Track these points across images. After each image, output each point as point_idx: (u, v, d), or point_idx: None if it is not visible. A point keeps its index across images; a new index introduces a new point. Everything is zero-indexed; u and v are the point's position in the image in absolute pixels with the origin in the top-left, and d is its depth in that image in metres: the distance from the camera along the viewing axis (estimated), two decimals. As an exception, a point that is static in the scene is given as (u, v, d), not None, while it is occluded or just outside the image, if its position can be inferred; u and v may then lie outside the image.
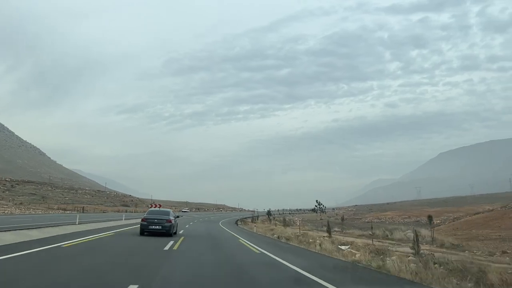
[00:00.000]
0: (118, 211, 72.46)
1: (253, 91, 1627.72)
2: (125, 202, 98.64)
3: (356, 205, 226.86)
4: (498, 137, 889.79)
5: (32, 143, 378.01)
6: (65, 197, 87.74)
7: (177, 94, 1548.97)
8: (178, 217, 25.85)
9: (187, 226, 35.24)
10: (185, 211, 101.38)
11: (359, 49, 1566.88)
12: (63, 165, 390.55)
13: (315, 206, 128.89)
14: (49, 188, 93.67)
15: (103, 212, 66.12)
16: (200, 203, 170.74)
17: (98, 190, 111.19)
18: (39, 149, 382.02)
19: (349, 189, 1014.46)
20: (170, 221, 20.64)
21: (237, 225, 49.15)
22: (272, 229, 32.52)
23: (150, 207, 30.23)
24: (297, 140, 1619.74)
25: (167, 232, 20.17)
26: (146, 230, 20.10)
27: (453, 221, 74.23)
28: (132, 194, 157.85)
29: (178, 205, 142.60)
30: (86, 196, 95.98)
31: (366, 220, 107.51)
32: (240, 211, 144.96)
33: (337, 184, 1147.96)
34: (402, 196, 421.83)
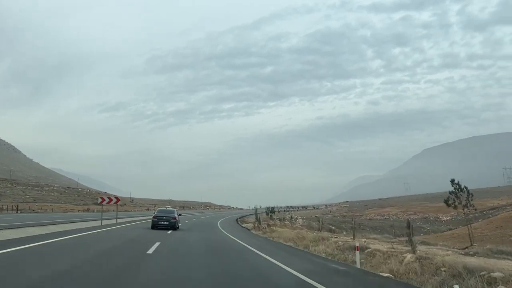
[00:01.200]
0: (87, 210, 61.14)
1: (237, 89, 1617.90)
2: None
3: (347, 201, 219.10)
4: (480, 133, 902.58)
5: (6, 141, 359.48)
6: (25, 195, 75.81)
7: (160, 92, 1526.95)
8: (180, 215, 31.47)
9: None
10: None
11: (342, 47, 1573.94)
12: (40, 164, 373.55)
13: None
14: (9, 185, 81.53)
15: (65, 212, 54.76)
16: (185, 201, 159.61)
17: (68, 187, 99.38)
18: (13, 146, 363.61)
19: (334, 185, 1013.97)
20: (174, 218, 26.10)
21: (249, 231, 33.48)
22: (302, 237, 22.25)
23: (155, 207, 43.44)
24: (281, 137, 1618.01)
25: (173, 226, 25.35)
26: (156, 225, 24.80)
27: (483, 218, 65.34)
28: (108, 192, 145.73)
29: (161, 203, 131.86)
30: (52, 194, 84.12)
31: (368, 218, 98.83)
32: (228, 209, 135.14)
33: (321, 181, 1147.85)
34: (390, 192, 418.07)
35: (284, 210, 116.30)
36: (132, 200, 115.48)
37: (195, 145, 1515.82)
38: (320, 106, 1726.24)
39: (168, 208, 31.13)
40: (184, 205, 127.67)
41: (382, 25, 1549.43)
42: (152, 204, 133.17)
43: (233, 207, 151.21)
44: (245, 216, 67.01)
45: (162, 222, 25.09)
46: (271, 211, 55.65)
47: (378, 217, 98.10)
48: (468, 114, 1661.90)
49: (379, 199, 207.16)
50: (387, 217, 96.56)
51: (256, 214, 42.74)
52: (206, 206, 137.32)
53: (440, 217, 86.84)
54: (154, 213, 28.14)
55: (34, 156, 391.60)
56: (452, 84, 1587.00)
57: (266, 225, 37.47)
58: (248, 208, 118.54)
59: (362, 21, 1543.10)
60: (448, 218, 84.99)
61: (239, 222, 48.40)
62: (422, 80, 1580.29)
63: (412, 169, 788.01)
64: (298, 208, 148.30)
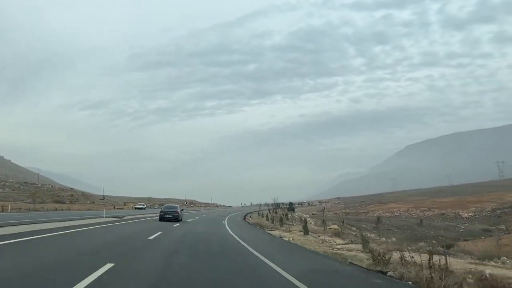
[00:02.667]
0: (36, 210, 47.07)
1: (220, 87, 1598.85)
2: (61, 198, 73.13)
3: (338, 197, 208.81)
4: (462, 129, 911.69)
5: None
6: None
7: (141, 89, 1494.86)
8: (182, 210, 41.30)
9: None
10: (140, 207, 75.85)
11: (324, 45, 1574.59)
12: (12, 161, 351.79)
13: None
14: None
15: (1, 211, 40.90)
16: (167, 198, 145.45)
17: (25, 183, 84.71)
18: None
19: (318, 182, 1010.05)
20: (177, 213, 32.81)
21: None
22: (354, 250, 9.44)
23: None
24: (264, 135, 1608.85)
25: (176, 219, 31.60)
26: (163, 218, 31.40)
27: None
28: (80, 188, 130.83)
29: (138, 201, 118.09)
30: (2, 190, 69.34)
31: (376, 215, 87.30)
32: (216, 206, 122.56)
33: (305, 178, 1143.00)
34: (376, 188, 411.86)
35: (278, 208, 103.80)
36: (103, 197, 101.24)
37: (178, 143, 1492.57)
38: (303, 103, 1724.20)
39: (172, 205, 38.29)
40: (164, 203, 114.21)
41: (364, 23, 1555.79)
42: (130, 202, 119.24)
43: (220, 205, 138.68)
44: (247, 214, 55.37)
45: (167, 216, 31.43)
46: (289, 208, 43.52)
47: (387, 214, 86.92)
48: (447, 111, 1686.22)
49: (373, 195, 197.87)
50: (397, 214, 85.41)
51: (271, 214, 29.73)
52: (191, 203, 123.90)
53: (461, 213, 76.08)
54: (161, 209, 35.55)
55: (9, 155, 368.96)
56: (432, 82, 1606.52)
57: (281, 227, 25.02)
58: (242, 205, 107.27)
59: (344, 19, 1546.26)
60: (470, 214, 74.32)
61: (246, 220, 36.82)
62: (403, 78, 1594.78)
63: (396, 165, 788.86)
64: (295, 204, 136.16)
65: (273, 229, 23.82)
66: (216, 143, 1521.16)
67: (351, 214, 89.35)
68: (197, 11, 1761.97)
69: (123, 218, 30.05)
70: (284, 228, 25.09)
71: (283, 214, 43.27)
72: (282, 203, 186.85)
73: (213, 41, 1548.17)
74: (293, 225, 33.91)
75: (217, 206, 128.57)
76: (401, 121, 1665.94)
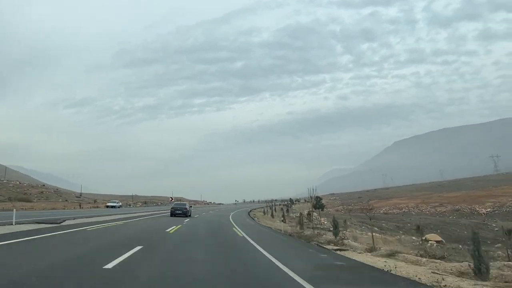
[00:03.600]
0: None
1: (208, 84, 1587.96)
2: (28, 196, 63.78)
3: (333, 193, 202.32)
4: (447, 126, 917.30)
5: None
6: None
7: (128, 86, 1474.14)
8: (191, 206, 44.65)
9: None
10: (113, 205, 61.34)
11: (312, 42, 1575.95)
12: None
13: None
14: None
15: None
16: (153, 196, 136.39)
17: (-12, 179, 75.20)
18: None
19: (306, 179, 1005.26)
20: (186, 209, 37.92)
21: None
22: None
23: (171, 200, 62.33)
24: (253, 133, 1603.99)
25: (185, 214, 36.56)
26: (174, 214, 35.98)
27: None
28: (56, 186, 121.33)
29: (122, 199, 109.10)
30: (-45, 187, 60.15)
31: (382, 211, 80.00)
32: (206, 204, 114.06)
33: (294, 175, 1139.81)
34: (367, 184, 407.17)
35: (279, 204, 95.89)
36: (80, 195, 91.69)
37: (166, 141, 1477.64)
38: (291, 101, 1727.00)
39: (181, 202, 47.06)
40: (149, 201, 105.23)
41: (351, 21, 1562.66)
42: (110, 200, 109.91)
43: (210, 202, 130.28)
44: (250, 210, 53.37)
45: (177, 211, 36.51)
46: (318, 202, 35.78)
47: (394, 210, 79.64)
48: (433, 108, 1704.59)
49: (367, 191, 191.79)
50: (406, 210, 78.17)
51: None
52: (178, 201, 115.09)
53: (477, 209, 69.09)
54: (172, 206, 40.69)
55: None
56: (418, 79, 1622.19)
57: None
58: (235, 202, 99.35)
59: (332, 16, 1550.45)
60: (488, 210, 67.39)
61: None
62: (389, 75, 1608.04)
63: (384, 162, 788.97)
64: (284, 201, 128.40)
65: (324, 244, 14.05)
66: (204, 141, 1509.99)
67: (355, 211, 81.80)
68: (184, 7, 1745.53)
69: (61, 224, 18.23)
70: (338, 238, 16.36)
71: (308, 215, 34.47)
72: (276, 200, 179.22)
73: (200, 38, 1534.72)
74: (326, 229, 25.74)
75: (207, 204, 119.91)
76: (388, 117, 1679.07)
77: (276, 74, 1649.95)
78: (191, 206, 43.82)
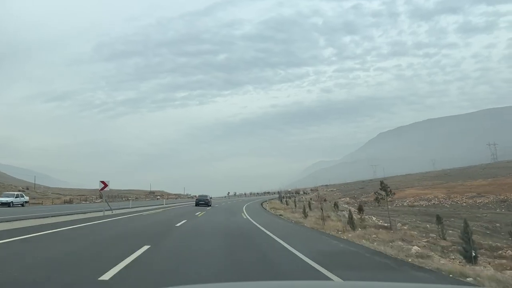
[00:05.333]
0: None
1: (190, 77, 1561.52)
2: None
3: (327, 184, 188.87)
4: (435, 116, 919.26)
5: None
6: None
7: (108, 80, 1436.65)
8: (211, 198, 56.43)
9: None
10: (4, 202, 37.38)
11: (295, 34, 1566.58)
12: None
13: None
14: None
15: None
16: (128, 190, 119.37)
17: None
18: None
19: (292, 171, 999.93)
20: (207, 200, 46.88)
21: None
22: None
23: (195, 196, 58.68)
24: (237, 126, 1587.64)
25: (207, 204, 44.94)
26: (198, 204, 44.58)
27: None
28: (37, 182, 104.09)
29: (91, 194, 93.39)
30: None
31: (405, 203, 65.83)
32: (189, 197, 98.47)
33: (279, 167, 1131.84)
34: (355, 175, 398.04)
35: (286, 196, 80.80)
36: (27, 188, 74.58)
37: (148, 134, 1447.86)
38: (275, 94, 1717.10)
39: (204, 195, 51.39)
40: (123, 195, 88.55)
41: (334, 13, 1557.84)
42: (83, 195, 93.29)
43: (195, 196, 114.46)
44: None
45: (201, 202, 45.15)
46: (384, 188, 19.92)
47: (421, 202, 65.48)
48: (414, 100, 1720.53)
49: (363, 181, 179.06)
50: (436, 202, 64.12)
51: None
52: (156, 195, 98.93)
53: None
54: (196, 197, 52.81)
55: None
56: (400, 71, 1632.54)
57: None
58: (226, 195, 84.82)
59: (314, 9, 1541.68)
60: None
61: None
62: (372, 68, 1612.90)
63: (371, 153, 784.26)
64: (292, 193, 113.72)
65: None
66: (188, 134, 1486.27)
67: (369, 203, 67.27)
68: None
69: None
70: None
71: (360, 211, 19.98)
72: (268, 192, 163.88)
73: (181, 31, 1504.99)
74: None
75: (190, 197, 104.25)
76: (371, 110, 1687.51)
77: (259, 67, 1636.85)
78: (211, 198, 55.67)
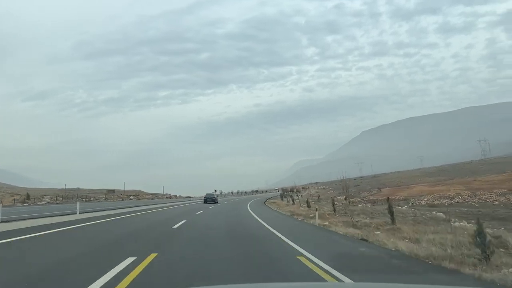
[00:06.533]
0: None
1: (172, 76, 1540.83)
2: None
3: (317, 182, 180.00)
4: (418, 113, 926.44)
5: None
6: None
7: (89, 79, 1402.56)
8: (218, 196, 66.07)
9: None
10: None
11: (277, 34, 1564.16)
12: None
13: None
14: None
15: None
16: (101, 189, 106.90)
17: None
18: None
19: (276, 170, 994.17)
20: (215, 197, 52.91)
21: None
22: None
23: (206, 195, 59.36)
24: (220, 125, 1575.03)
25: (214, 201, 49.21)
26: (206, 201, 48.62)
27: None
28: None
29: (56, 194, 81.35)
30: None
31: (424, 202, 56.43)
32: (169, 197, 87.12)
33: (263, 166, 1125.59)
34: (340, 173, 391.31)
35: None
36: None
37: (131, 134, 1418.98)
38: (258, 93, 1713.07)
39: (211, 193, 59.84)
40: (87, 195, 76.56)
41: (316, 13, 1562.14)
42: (45, 195, 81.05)
43: (175, 196, 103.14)
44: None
45: (209, 199, 49.70)
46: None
47: (442, 200, 56.09)
48: (396, 99, 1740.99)
49: (354, 179, 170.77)
50: (460, 201, 54.89)
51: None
52: (129, 195, 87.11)
53: None
54: (205, 195, 55.13)
55: None
56: (381, 71, 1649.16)
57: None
58: (216, 193, 74.90)
59: (297, 8, 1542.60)
60: None
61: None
62: (354, 67, 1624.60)
63: (354, 151, 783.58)
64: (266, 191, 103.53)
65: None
66: (170, 134, 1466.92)
67: (379, 202, 57.74)
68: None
69: None
70: None
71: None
72: (257, 191, 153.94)
73: (163, 29, 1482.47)
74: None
75: (170, 197, 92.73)
76: (353, 109, 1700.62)
77: (242, 66, 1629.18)
78: (218, 195, 66.11)
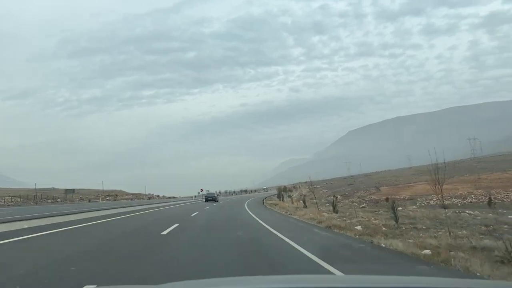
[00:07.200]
0: None
1: (158, 75, 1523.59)
2: None
3: (306, 181, 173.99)
4: (404, 113, 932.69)
5: None
6: None
7: (72, 77, 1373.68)
8: (218, 195, 70.00)
9: None
10: None
11: (264, 34, 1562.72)
12: None
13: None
14: None
15: None
16: (79, 189, 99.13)
17: None
18: None
19: (262, 170, 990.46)
20: (215, 197, 55.56)
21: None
22: None
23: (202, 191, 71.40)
24: (206, 125, 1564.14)
25: (215, 200, 52.23)
26: (206, 200, 52.32)
27: None
28: None
29: (26, 193, 73.56)
30: None
31: (432, 202, 51.15)
32: (150, 198, 79.93)
33: (249, 166, 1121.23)
34: (327, 173, 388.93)
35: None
36: None
37: (115, 133, 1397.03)
38: (244, 93, 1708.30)
39: (211, 192, 64.34)
40: (47, 196, 69.15)
41: (302, 13, 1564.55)
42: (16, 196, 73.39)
43: (158, 196, 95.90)
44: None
45: (209, 198, 52.98)
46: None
47: (454, 200, 51.00)
48: (381, 100, 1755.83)
49: (344, 178, 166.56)
50: (473, 200, 49.85)
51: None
52: (106, 195, 79.80)
53: None
54: (205, 194, 61.47)
55: None
56: (367, 71, 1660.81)
57: None
58: (198, 194, 68.63)
59: (283, 8, 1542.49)
60: None
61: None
62: (340, 68, 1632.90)
63: (341, 150, 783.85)
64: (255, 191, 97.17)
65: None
66: (155, 133, 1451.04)
67: (382, 202, 52.37)
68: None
69: None
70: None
71: None
72: (245, 190, 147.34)
73: (149, 28, 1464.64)
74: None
75: (150, 198, 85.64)
76: (339, 109, 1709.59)
77: (229, 66, 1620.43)
78: (218, 195, 69.14)
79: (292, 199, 44.02)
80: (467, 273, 5.84)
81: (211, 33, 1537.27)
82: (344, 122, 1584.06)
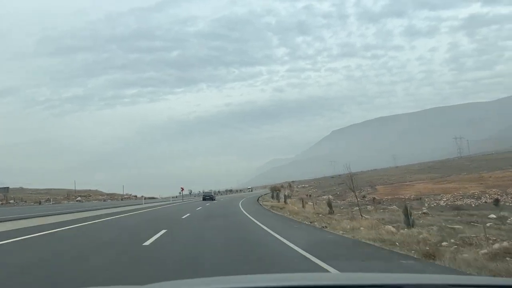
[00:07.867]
0: None
1: (141, 74, 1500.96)
2: None
3: (293, 181, 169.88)
4: (386, 114, 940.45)
5: None
6: None
7: (54, 76, 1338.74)
8: (216, 194, 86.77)
9: None
10: None
11: (248, 33, 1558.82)
12: None
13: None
14: None
15: None
16: (48, 189, 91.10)
17: None
18: None
19: (246, 169, 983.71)
20: (212, 195, 62.57)
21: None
22: None
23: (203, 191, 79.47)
24: (191, 124, 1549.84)
25: (212, 199, 57.47)
26: (204, 199, 56.56)
27: None
28: None
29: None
30: None
31: (442, 202, 46.09)
32: (123, 199, 72.50)
33: (233, 166, 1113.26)
34: (312, 172, 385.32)
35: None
36: None
37: (97, 133, 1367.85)
38: (228, 92, 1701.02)
39: (209, 191, 72.75)
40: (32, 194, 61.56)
41: (286, 13, 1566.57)
42: None
43: (136, 196, 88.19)
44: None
45: (207, 197, 57.56)
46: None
47: (466, 200, 45.87)
48: (363, 100, 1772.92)
49: (332, 177, 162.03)
50: (488, 200, 44.68)
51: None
52: (76, 196, 72.31)
53: None
54: (203, 193, 68.86)
55: None
56: (349, 72, 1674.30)
57: None
58: (180, 194, 62.29)
59: (267, 8, 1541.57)
60: None
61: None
62: (323, 68, 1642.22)
63: (325, 150, 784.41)
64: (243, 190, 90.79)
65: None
66: (138, 133, 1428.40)
67: (385, 202, 47.02)
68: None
69: None
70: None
71: None
72: (231, 190, 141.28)
73: (132, 26, 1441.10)
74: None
75: (122, 199, 78.00)
76: (322, 109, 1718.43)
77: (213, 65, 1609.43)
78: (215, 194, 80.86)
79: (291, 199, 37.98)
80: None
81: (196, 32, 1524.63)
82: (327, 122, 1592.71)
